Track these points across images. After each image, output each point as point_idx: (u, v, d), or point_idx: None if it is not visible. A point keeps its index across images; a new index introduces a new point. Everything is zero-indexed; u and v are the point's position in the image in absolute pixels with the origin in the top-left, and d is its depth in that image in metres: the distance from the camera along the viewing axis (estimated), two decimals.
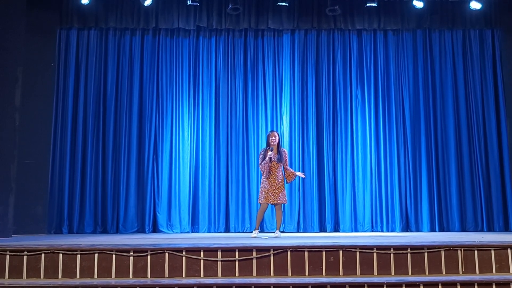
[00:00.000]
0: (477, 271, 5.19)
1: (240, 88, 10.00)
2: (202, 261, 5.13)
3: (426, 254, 5.22)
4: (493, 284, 4.94)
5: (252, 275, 5.10)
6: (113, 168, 9.62)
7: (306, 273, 5.12)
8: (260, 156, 7.75)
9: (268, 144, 7.66)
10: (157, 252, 5.15)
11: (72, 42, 9.87)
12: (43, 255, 5.12)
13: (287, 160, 7.76)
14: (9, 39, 8.00)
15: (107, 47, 9.95)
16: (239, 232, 9.50)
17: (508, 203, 9.54)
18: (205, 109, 9.94)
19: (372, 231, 9.54)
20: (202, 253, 5.15)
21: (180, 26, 9.88)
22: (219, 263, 5.14)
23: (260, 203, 7.67)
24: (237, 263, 5.14)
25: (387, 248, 5.22)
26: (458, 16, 10.00)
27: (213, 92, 9.97)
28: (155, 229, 9.49)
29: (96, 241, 5.93)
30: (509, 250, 5.27)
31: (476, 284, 4.93)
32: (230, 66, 10.05)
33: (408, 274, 5.14)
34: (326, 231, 9.51)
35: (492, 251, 5.25)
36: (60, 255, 5.12)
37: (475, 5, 9.42)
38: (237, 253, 5.16)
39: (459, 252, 5.23)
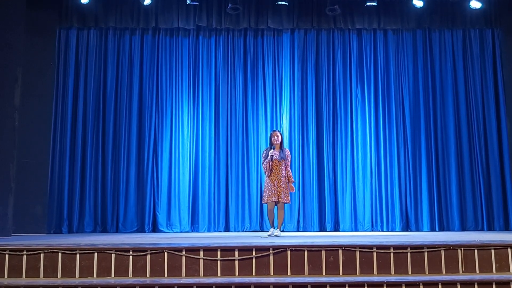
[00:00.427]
0: (477, 271, 5.18)
1: (240, 87, 10.00)
2: (201, 261, 5.12)
3: (426, 254, 5.20)
4: (493, 283, 4.92)
5: (252, 274, 5.09)
6: (113, 167, 9.62)
7: (306, 273, 5.11)
8: (263, 155, 7.76)
9: (270, 144, 7.66)
10: (157, 251, 5.14)
11: (71, 41, 9.88)
12: (42, 255, 5.10)
13: (290, 160, 7.75)
14: (9, 39, 8.00)
15: (106, 47, 9.96)
16: (238, 231, 9.50)
17: (508, 202, 9.55)
18: (205, 108, 9.95)
19: (372, 231, 9.55)
20: (201, 253, 5.14)
21: (180, 25, 9.88)
22: (219, 262, 5.12)
23: (265, 203, 7.70)
24: (236, 262, 5.12)
25: (387, 247, 5.21)
26: (458, 15, 10.00)
27: (213, 91, 9.98)
28: (154, 229, 9.49)
29: (95, 241, 5.92)
30: (509, 250, 5.25)
31: (476, 283, 4.92)
32: (230, 66, 10.05)
33: (408, 273, 5.12)
34: (326, 231, 9.51)
35: (492, 251, 5.24)
36: (60, 254, 5.10)
37: (475, 4, 9.42)
38: (236, 253, 5.15)
39: (459, 251, 5.21)
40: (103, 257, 5.11)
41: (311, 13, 9.97)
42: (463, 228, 9.57)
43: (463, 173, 9.78)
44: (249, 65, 10.10)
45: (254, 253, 5.14)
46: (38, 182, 9.07)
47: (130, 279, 5.01)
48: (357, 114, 9.99)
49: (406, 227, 9.64)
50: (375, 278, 4.99)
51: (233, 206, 9.65)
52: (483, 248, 5.25)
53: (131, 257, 5.11)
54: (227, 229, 9.59)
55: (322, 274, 5.10)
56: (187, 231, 9.47)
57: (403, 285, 4.91)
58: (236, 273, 5.09)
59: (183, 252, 5.13)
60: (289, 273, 5.12)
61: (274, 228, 7.55)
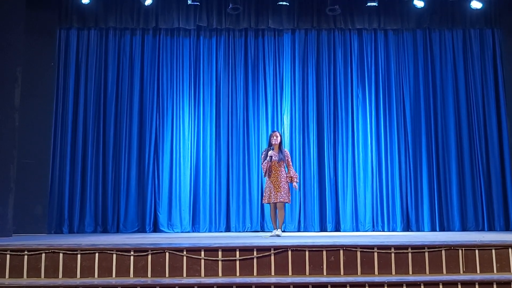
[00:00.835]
0: (478, 271, 5.17)
1: (240, 87, 10.00)
2: (202, 261, 5.12)
3: (427, 254, 5.20)
4: (494, 283, 4.92)
5: (253, 274, 5.09)
6: (114, 167, 9.62)
7: (307, 273, 5.11)
8: (262, 156, 7.77)
9: (269, 144, 7.67)
10: (158, 251, 5.14)
11: (72, 42, 9.89)
12: (43, 255, 5.10)
13: (290, 161, 7.74)
14: (9, 39, 7.99)
15: (107, 47, 9.96)
16: (239, 231, 9.50)
17: (509, 202, 9.55)
18: (206, 108, 9.95)
19: (373, 231, 9.55)
20: (202, 253, 5.14)
21: (181, 25, 9.89)
22: (220, 262, 5.12)
23: (265, 204, 7.73)
24: (237, 262, 5.12)
25: (388, 247, 5.20)
26: (458, 15, 10.01)
27: (213, 91, 9.98)
28: (155, 229, 9.49)
29: (96, 241, 5.92)
30: (510, 250, 5.25)
31: (477, 283, 4.92)
32: (231, 66, 10.05)
33: (409, 273, 5.12)
34: (326, 231, 9.51)
35: (493, 251, 5.23)
36: (61, 254, 5.10)
37: (476, 5, 9.42)
38: (237, 253, 5.15)
39: (460, 251, 5.21)
40: (104, 257, 5.11)
41: (311, 13, 9.97)
42: (464, 228, 9.57)
43: (463, 173, 9.78)
44: (249, 65, 10.10)
45: (255, 253, 5.14)
46: (38, 182, 9.07)
47: (131, 279, 5.01)
48: (358, 114, 9.99)
49: (407, 227, 9.65)
50: (376, 278, 4.99)
51: (234, 206, 9.65)
52: (484, 248, 5.25)
53: (132, 257, 5.11)
54: (228, 229, 9.59)
55: (323, 274, 5.10)
56: (188, 231, 9.47)
57: (404, 285, 4.91)
58: (237, 273, 5.09)
59: (184, 252, 5.13)
60: (290, 273, 5.12)
61: (276, 230, 7.56)
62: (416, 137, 9.91)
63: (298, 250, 5.17)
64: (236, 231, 9.51)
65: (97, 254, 5.11)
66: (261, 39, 10.18)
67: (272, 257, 5.15)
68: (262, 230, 9.50)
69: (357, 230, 9.55)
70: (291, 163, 7.72)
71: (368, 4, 9.52)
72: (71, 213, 9.39)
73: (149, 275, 5.08)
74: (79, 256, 5.11)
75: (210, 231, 9.52)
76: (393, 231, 9.55)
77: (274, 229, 7.61)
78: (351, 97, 10.03)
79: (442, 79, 10.04)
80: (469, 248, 5.24)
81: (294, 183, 7.71)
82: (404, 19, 10.03)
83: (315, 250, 5.17)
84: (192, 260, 5.12)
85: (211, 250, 5.16)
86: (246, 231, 9.51)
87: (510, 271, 5.19)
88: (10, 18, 8.07)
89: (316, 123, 9.96)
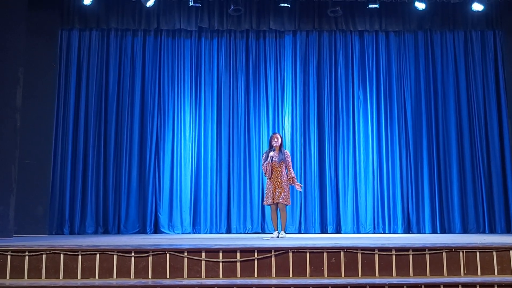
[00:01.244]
0: (479, 273, 5.18)
1: (242, 89, 10.00)
2: (203, 262, 5.12)
3: (427, 256, 5.20)
4: (495, 285, 4.92)
5: (254, 276, 5.09)
6: (115, 168, 9.62)
7: (308, 274, 5.11)
8: (263, 157, 7.78)
9: (270, 146, 7.67)
10: (159, 252, 5.15)
11: (73, 42, 9.89)
12: (44, 256, 5.11)
13: (290, 162, 7.74)
14: (10, 40, 8.01)
15: (108, 48, 9.96)
16: (240, 233, 9.50)
17: (510, 204, 9.54)
18: (207, 110, 9.95)
19: (374, 233, 9.54)
20: (203, 254, 5.14)
21: (182, 27, 9.89)
22: (221, 264, 5.13)
23: (266, 205, 7.74)
24: (238, 264, 5.13)
25: (389, 249, 5.21)
26: (459, 17, 10.00)
27: (215, 93, 9.98)
28: (156, 230, 9.49)
29: (97, 242, 5.92)
30: (511, 252, 5.25)
31: (478, 285, 4.91)
32: (232, 67, 10.05)
33: (409, 275, 5.13)
34: (327, 233, 9.50)
35: (494, 253, 5.24)
36: (62, 255, 5.11)
37: (477, 7, 9.41)
38: (238, 254, 5.15)
39: (461, 253, 5.21)
40: (105, 258, 5.12)
41: (312, 14, 9.97)
42: (465, 230, 9.56)
43: (464, 176, 9.77)
44: (251, 67, 10.10)
45: (256, 254, 5.15)
46: (39, 183, 9.06)
47: (132, 280, 5.02)
48: (359, 115, 9.98)
49: (408, 229, 9.63)
50: (377, 280, 4.99)
51: (235, 208, 9.65)
52: (485, 250, 5.25)
53: (133, 258, 5.12)
54: (228, 231, 9.59)
55: (324, 276, 5.11)
56: (189, 233, 9.46)
57: (405, 287, 4.92)
58: (238, 275, 5.10)
59: (185, 254, 5.14)
60: (291, 274, 5.12)
61: (278, 231, 7.56)
62: (417, 139, 9.91)
63: (299, 251, 5.17)
64: (237, 233, 9.51)
65: (98, 255, 5.12)
66: (262, 41, 10.18)
67: (273, 259, 5.15)
68: (263, 232, 9.49)
69: (358, 232, 9.54)
70: (291, 165, 7.72)
71: (370, 6, 9.51)
72: (72, 214, 9.39)
73: (150, 276, 5.09)
74: (80, 257, 5.12)
75: (210, 232, 9.52)
76: (394, 233, 9.54)
77: (275, 231, 7.61)
78: (352, 98, 10.03)
79: (443, 80, 10.04)
80: (470, 250, 5.24)
81: (298, 186, 7.71)
82: (405, 21, 10.02)
83: (316, 251, 5.17)
84: (193, 261, 5.13)
85: (212, 251, 5.17)
86: (247, 233, 9.51)
87: (511, 274, 5.19)
88: (11, 19, 8.08)
89: (317, 124, 9.95)
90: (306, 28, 10.08)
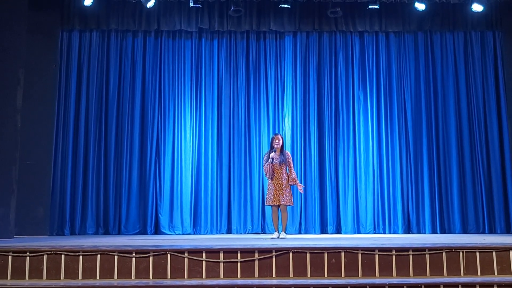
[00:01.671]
0: (479, 273, 5.19)
1: (242, 90, 10.02)
2: (204, 263, 5.14)
3: (427, 256, 5.21)
4: (495, 285, 4.93)
5: (254, 276, 5.10)
6: (115, 169, 9.63)
7: (308, 275, 5.12)
8: (264, 158, 7.78)
9: (271, 147, 7.68)
10: (159, 253, 5.16)
11: (74, 43, 9.90)
12: (45, 256, 5.12)
13: (291, 162, 7.75)
14: (11, 41, 8.02)
15: (109, 49, 9.97)
16: (241, 233, 9.51)
17: (509, 205, 9.55)
18: (207, 110, 9.96)
19: (374, 233, 9.55)
20: (204, 254, 5.15)
21: (182, 28, 9.91)
22: (221, 264, 5.14)
23: (268, 205, 7.75)
24: (239, 264, 5.14)
25: (389, 249, 5.22)
26: (459, 18, 10.02)
27: (215, 94, 9.99)
28: (157, 231, 9.50)
29: (98, 242, 5.93)
30: (510, 252, 5.26)
31: (477, 285, 4.92)
32: (232, 68, 10.06)
33: (409, 275, 5.14)
34: (327, 233, 9.51)
35: (494, 253, 5.25)
36: (63, 256, 5.12)
37: (477, 7, 9.42)
38: (239, 255, 5.16)
39: (461, 253, 5.23)
40: (106, 259, 5.13)
41: (313, 15, 9.98)
42: (465, 230, 9.57)
43: (464, 176, 9.78)
44: (251, 68, 10.11)
45: (256, 255, 5.16)
46: (40, 184, 9.05)
47: (133, 281, 5.02)
48: (359, 116, 10.00)
49: (408, 230, 9.65)
50: (377, 280, 5.00)
51: (235, 208, 9.66)
52: (485, 250, 5.26)
53: (133, 258, 5.13)
54: (229, 231, 9.60)
55: (324, 276, 5.12)
56: (189, 233, 9.47)
57: (405, 287, 4.93)
58: (239, 275, 5.11)
59: (186, 254, 5.15)
60: (291, 275, 5.13)
61: (278, 232, 7.57)
62: (417, 139, 9.93)
63: (299, 252, 5.18)
64: (237, 233, 9.52)
65: (99, 256, 5.13)
66: (262, 42, 10.20)
67: (274, 259, 5.16)
68: (263, 232, 9.50)
69: (358, 233, 9.55)
70: (292, 165, 7.72)
71: (370, 6, 9.53)
72: (72, 214, 9.39)
73: (150, 276, 5.10)
74: (81, 257, 5.12)
75: (211, 233, 9.53)
76: (394, 233, 9.55)
77: (275, 231, 7.62)
78: (353, 99, 10.04)
79: (443, 81, 10.05)
80: (470, 250, 5.25)
81: (299, 188, 7.71)
82: (405, 21, 10.04)
83: (317, 252, 5.19)
84: (193, 262, 5.14)
85: (212, 252, 5.18)
86: (247, 233, 9.52)
87: (511, 274, 5.20)
88: (12, 20, 8.09)
89: (317, 125, 9.96)
90: (306, 29, 10.09)
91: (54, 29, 9.63)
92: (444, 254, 5.22)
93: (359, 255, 5.18)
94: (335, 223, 9.66)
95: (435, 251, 5.22)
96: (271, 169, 7.55)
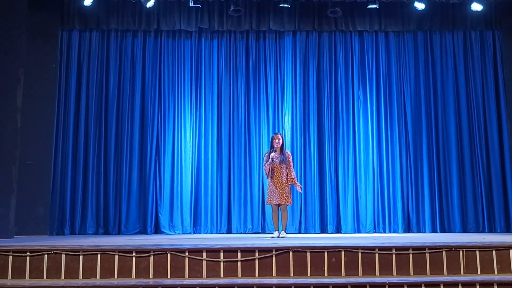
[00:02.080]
0: (479, 272, 5.19)
1: (242, 89, 10.02)
2: (204, 262, 5.14)
3: (427, 255, 5.21)
4: (495, 284, 4.93)
5: (254, 275, 5.10)
6: (115, 169, 9.64)
7: (308, 274, 5.12)
8: (264, 157, 7.78)
9: (271, 147, 7.68)
10: (160, 252, 5.16)
11: (74, 43, 9.91)
12: (45, 256, 5.12)
13: (291, 162, 7.74)
14: (11, 40, 8.01)
15: (109, 49, 9.98)
16: (241, 233, 9.52)
17: (509, 203, 9.57)
18: (207, 110, 9.97)
19: (374, 232, 9.56)
20: (204, 254, 5.15)
21: (182, 27, 9.92)
22: (222, 263, 5.14)
23: (268, 205, 7.76)
24: (239, 263, 5.14)
25: (389, 248, 5.22)
26: (459, 17, 10.03)
27: (215, 93, 10.00)
28: (157, 230, 9.51)
29: (98, 242, 5.93)
30: (510, 251, 5.27)
31: (477, 284, 4.93)
32: (232, 68, 10.07)
33: (410, 274, 5.14)
34: (327, 232, 9.53)
35: (494, 252, 5.25)
36: (63, 255, 5.12)
37: (477, 7, 9.43)
38: (239, 254, 5.16)
39: (461, 252, 5.23)
40: (106, 258, 5.13)
41: (312, 15, 9.99)
42: (464, 229, 9.59)
43: (464, 175, 9.79)
44: (251, 67, 10.12)
45: (256, 254, 5.16)
46: (40, 183, 9.06)
47: (133, 280, 5.02)
48: (359, 115, 10.01)
49: (408, 229, 9.66)
50: (377, 279, 5.01)
51: (235, 208, 9.67)
52: (485, 249, 5.27)
53: (134, 258, 5.13)
54: (229, 231, 9.61)
55: (324, 275, 5.12)
56: (189, 233, 9.48)
57: (405, 286, 4.93)
58: (239, 274, 5.11)
59: (186, 253, 5.15)
60: (291, 274, 5.13)
61: (278, 231, 7.57)
62: (417, 138, 9.94)
63: (299, 251, 5.18)
64: (237, 233, 9.53)
65: (99, 255, 5.13)
66: (262, 41, 10.21)
67: (274, 258, 5.16)
68: (263, 232, 9.51)
69: (358, 232, 9.57)
70: (292, 165, 7.72)
71: (369, 6, 9.54)
72: (72, 214, 9.40)
73: (151, 276, 5.10)
74: (81, 257, 5.12)
75: (211, 232, 9.54)
76: (394, 232, 9.57)
77: (275, 231, 7.63)
78: (352, 99, 10.05)
79: (442, 81, 10.06)
80: (469, 249, 5.26)
81: (298, 187, 7.71)
82: (405, 21, 10.05)
83: (317, 251, 5.19)
84: (194, 261, 5.14)
85: (213, 251, 5.18)
86: (248, 233, 9.53)
87: (511, 272, 5.20)
88: (12, 19, 8.08)
89: (317, 125, 9.98)
90: (306, 29, 10.10)
91: (54, 29, 9.63)
92: (444, 253, 5.22)
93: (359, 254, 5.18)
94: (335, 222, 9.67)
95: (435, 250, 5.23)
96: (271, 169, 7.56)
